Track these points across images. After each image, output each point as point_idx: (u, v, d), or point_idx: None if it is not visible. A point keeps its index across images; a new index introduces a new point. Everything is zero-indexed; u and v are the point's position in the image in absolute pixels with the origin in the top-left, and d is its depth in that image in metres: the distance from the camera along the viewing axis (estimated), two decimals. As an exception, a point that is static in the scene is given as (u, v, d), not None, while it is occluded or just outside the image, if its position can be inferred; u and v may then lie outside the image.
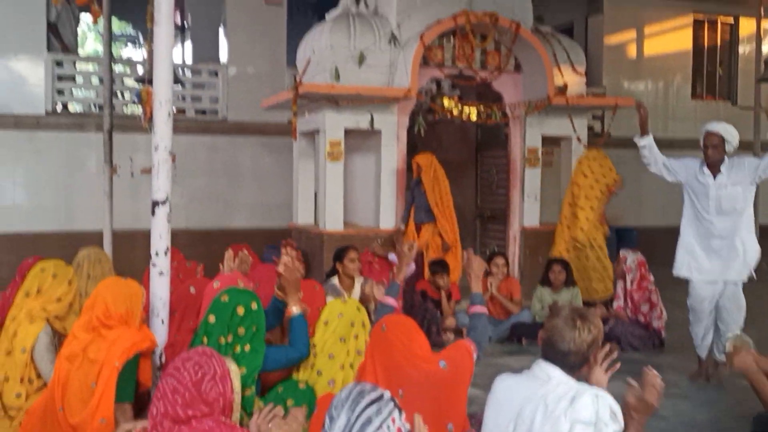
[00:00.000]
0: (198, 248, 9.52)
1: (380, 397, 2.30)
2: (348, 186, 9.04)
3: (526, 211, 9.61)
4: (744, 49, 14.07)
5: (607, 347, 2.93)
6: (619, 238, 11.48)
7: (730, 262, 5.87)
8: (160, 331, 3.87)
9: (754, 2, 12.85)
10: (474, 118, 9.17)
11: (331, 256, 7.14)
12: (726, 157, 5.83)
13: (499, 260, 7.88)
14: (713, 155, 5.78)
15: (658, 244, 9.30)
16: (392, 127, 8.89)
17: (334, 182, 8.75)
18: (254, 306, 3.81)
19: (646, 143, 6.01)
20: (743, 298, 5.97)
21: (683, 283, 6.20)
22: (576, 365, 2.78)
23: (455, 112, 9.05)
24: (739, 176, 5.78)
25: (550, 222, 9.84)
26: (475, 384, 4.48)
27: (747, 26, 13.84)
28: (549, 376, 2.70)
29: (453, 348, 3.60)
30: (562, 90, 9.31)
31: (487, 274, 7.83)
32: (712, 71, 14.20)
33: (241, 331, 3.73)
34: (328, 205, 8.74)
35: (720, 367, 6.04)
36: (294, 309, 4.13)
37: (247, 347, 3.73)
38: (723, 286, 5.94)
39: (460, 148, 11.01)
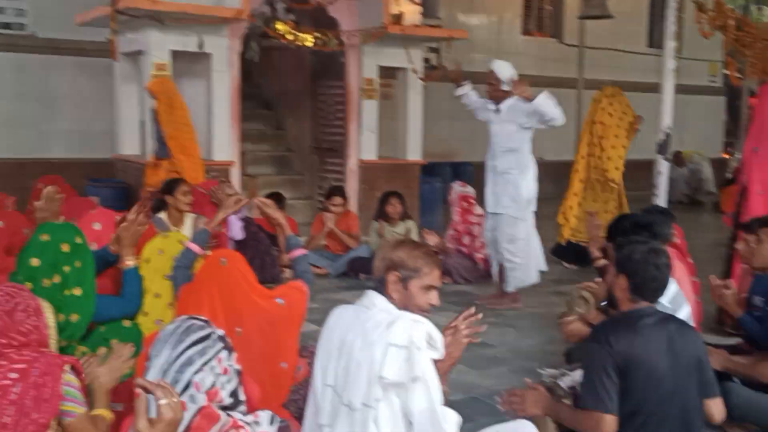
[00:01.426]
0: (9, 180, 8.62)
1: (207, 336, 2.21)
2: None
3: (364, 144, 9.46)
4: (570, -14, 14.43)
5: (472, 311, 2.92)
6: (455, 172, 11.66)
7: (501, 195, 6.21)
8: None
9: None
10: (309, 44, 8.84)
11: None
12: (512, 98, 6.04)
13: (337, 199, 7.80)
14: (489, 91, 6.15)
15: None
16: (223, 51, 8.37)
17: (161, 109, 8.15)
18: (78, 240, 3.52)
19: (462, 93, 6.42)
20: (518, 233, 6.21)
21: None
22: (379, 282, 2.73)
23: (290, 38, 8.68)
24: (514, 116, 6.05)
25: (388, 156, 9.76)
26: (312, 320, 4.36)
27: (573, -37, 14.18)
28: (373, 303, 2.69)
29: (287, 286, 3.56)
30: (398, 19, 9.13)
31: (324, 209, 7.83)
32: (542, 8, 14.52)
33: (67, 269, 3.42)
34: (155, 134, 8.16)
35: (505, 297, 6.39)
36: (129, 262, 3.87)
37: (78, 291, 3.42)
38: (498, 219, 6.26)
39: (296, 77, 10.64)
